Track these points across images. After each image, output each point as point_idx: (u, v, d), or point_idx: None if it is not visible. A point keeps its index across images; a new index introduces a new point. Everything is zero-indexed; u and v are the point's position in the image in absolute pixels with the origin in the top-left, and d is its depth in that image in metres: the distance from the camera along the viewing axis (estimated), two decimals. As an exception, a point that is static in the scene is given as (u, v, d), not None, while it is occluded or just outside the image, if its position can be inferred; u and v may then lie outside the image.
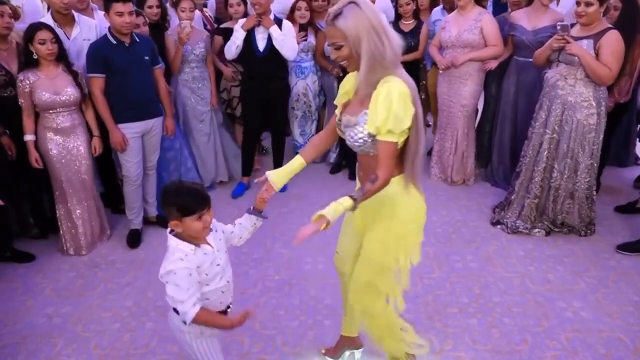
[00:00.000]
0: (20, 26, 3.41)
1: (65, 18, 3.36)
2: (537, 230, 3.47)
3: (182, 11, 3.89)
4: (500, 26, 3.99)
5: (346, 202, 1.69)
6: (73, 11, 3.41)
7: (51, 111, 3.10)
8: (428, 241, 3.45)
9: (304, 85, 4.45)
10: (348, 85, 1.93)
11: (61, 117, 3.14)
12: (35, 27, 3.01)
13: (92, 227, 3.41)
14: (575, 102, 3.18)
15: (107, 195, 3.91)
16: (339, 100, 1.96)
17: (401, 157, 1.81)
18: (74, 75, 3.15)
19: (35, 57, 3.01)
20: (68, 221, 3.32)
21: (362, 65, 1.70)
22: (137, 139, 3.38)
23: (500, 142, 4.18)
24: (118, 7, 3.06)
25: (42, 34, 2.98)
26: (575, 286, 2.94)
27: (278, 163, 4.24)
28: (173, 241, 1.73)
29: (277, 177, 1.93)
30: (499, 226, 3.58)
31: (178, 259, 1.68)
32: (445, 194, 4.19)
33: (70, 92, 3.11)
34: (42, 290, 3.02)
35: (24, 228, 3.55)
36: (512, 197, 3.55)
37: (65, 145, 3.20)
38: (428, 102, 4.82)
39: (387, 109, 1.67)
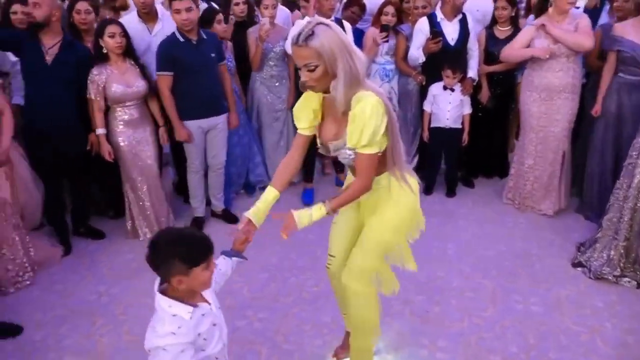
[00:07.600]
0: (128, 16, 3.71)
1: (148, 14, 3.56)
2: (627, 279, 2.92)
3: (265, 8, 3.88)
4: (604, 35, 3.47)
5: (317, 211, 1.84)
6: (157, 7, 3.60)
7: (122, 104, 3.28)
8: (488, 274, 3.09)
9: (388, 89, 4.21)
10: (314, 105, 1.92)
11: (132, 109, 3.32)
12: (106, 22, 3.22)
13: (157, 213, 3.57)
14: None
15: (180, 185, 4.10)
16: (308, 122, 1.97)
17: (383, 158, 1.87)
18: (141, 67, 3.31)
19: (104, 51, 3.19)
20: (135, 207, 3.50)
21: (339, 84, 1.72)
22: (201, 135, 3.48)
23: (597, 169, 3.59)
24: (175, 4, 3.14)
25: (112, 28, 3.15)
26: (659, 356, 2.42)
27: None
28: (164, 303, 1.47)
29: (256, 216, 1.92)
30: (580, 268, 3.08)
31: (169, 333, 1.44)
32: (526, 222, 3.73)
33: (140, 84, 3.27)
34: (100, 269, 3.24)
35: (104, 209, 3.87)
36: (598, 236, 3.04)
37: (135, 137, 3.37)
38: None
39: (361, 127, 1.72)
